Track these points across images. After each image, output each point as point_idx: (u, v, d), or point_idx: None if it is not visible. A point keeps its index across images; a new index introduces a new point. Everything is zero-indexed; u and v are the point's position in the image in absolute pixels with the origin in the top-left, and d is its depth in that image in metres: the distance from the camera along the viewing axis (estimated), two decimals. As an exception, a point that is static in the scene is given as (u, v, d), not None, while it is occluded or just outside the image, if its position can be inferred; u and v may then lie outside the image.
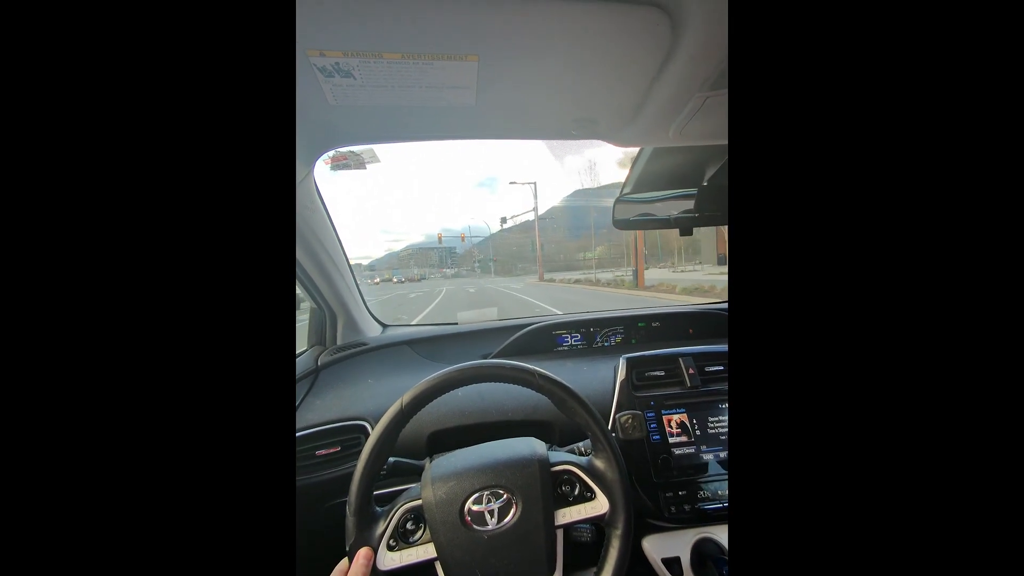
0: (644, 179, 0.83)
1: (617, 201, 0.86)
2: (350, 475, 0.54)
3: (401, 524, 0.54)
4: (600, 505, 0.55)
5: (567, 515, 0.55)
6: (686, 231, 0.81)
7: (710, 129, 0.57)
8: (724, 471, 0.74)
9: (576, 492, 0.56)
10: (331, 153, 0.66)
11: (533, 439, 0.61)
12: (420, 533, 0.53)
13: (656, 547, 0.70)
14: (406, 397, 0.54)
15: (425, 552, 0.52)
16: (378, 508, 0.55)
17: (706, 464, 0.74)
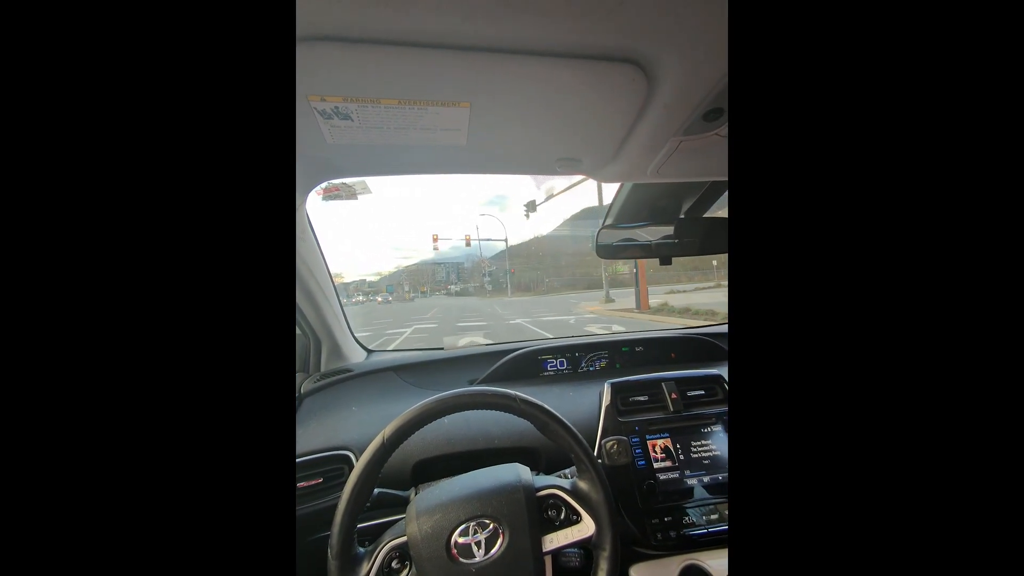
0: (626, 210, 0.88)
1: (600, 230, 0.90)
2: (333, 507, 0.52)
3: (386, 564, 0.52)
4: (587, 527, 0.55)
5: (554, 540, 0.54)
6: (665, 260, 0.85)
7: (684, 169, 0.61)
8: (708, 496, 0.75)
9: (562, 516, 0.56)
10: (323, 184, 0.67)
11: (517, 465, 0.60)
12: (406, 572, 0.52)
13: (644, 575, 0.69)
14: (388, 430, 0.54)
15: None
16: (361, 549, 0.53)
17: (690, 489, 0.75)
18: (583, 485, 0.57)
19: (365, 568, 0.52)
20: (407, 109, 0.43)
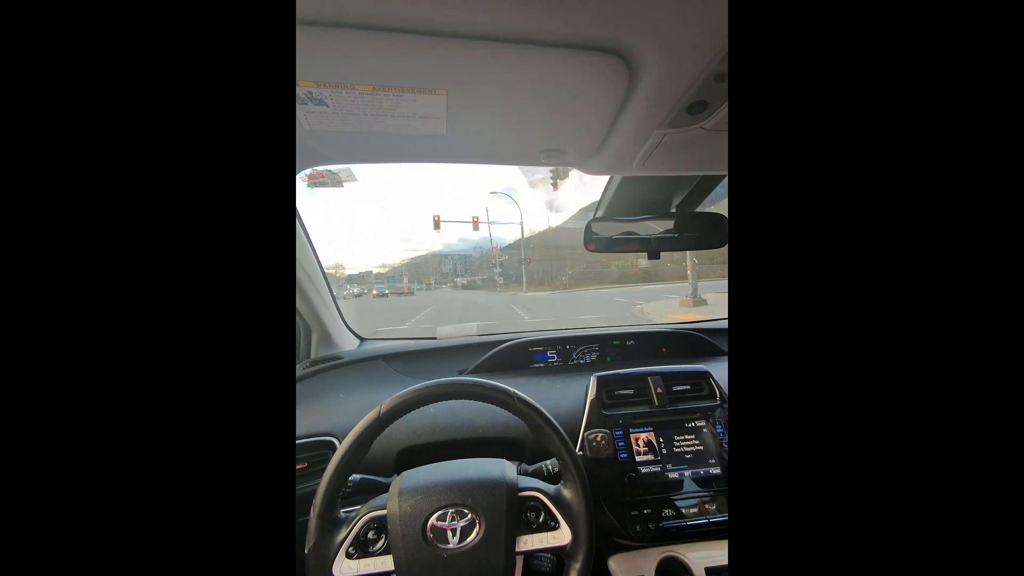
0: (616, 204, 0.87)
1: (590, 224, 0.89)
2: (315, 492, 0.53)
3: (363, 533, 0.54)
4: (563, 536, 0.56)
5: (529, 542, 0.55)
6: (654, 255, 0.84)
7: (670, 162, 0.60)
8: (689, 490, 0.75)
9: (540, 520, 0.57)
10: (308, 171, 0.67)
11: (504, 461, 0.61)
12: (380, 544, 0.54)
13: (622, 566, 0.70)
14: (384, 406, 0.55)
15: (383, 564, 0.53)
16: (342, 514, 0.55)
17: (672, 483, 0.76)
18: (567, 493, 0.58)
19: (343, 532, 0.53)
20: (382, 96, 0.42)
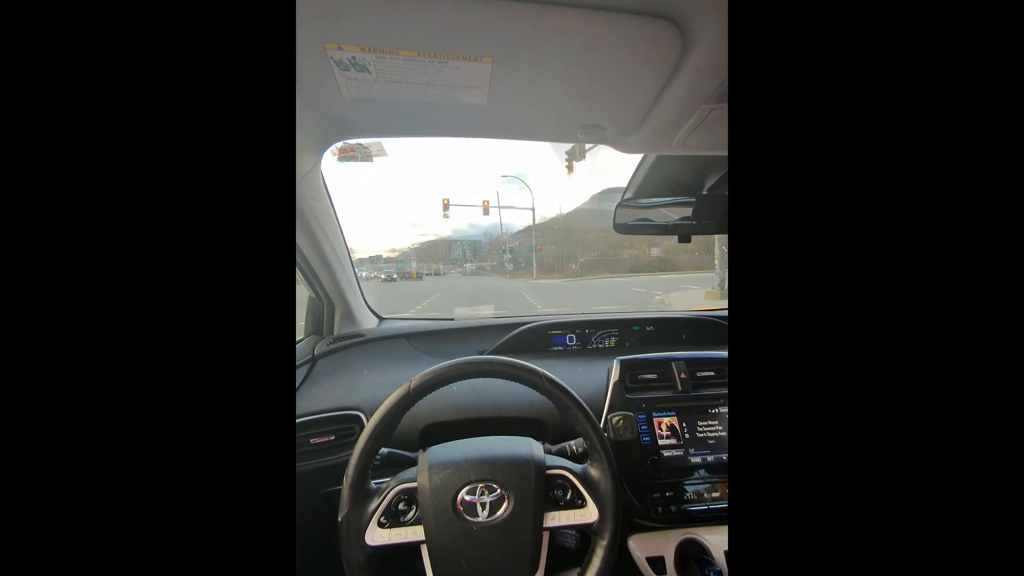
0: (646, 185, 0.85)
1: (618, 206, 0.87)
2: (344, 463, 0.55)
3: (394, 504, 0.55)
4: (590, 513, 0.56)
5: (556, 519, 0.56)
6: (684, 238, 0.82)
7: (712, 141, 0.58)
8: (711, 474, 0.76)
9: (568, 497, 0.58)
10: (339, 144, 0.66)
11: (531, 440, 0.62)
12: (411, 515, 0.55)
13: (641, 546, 0.71)
14: (415, 381, 0.55)
15: (414, 534, 0.54)
16: (373, 484, 0.56)
17: (693, 467, 0.76)
18: (593, 472, 0.58)
19: (375, 502, 0.55)
20: (427, 62, 0.41)
